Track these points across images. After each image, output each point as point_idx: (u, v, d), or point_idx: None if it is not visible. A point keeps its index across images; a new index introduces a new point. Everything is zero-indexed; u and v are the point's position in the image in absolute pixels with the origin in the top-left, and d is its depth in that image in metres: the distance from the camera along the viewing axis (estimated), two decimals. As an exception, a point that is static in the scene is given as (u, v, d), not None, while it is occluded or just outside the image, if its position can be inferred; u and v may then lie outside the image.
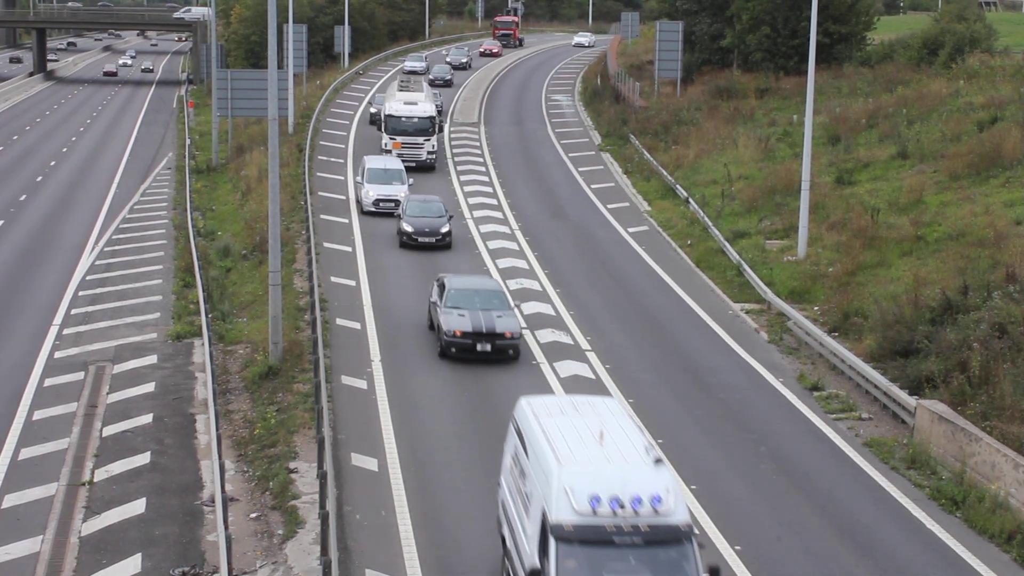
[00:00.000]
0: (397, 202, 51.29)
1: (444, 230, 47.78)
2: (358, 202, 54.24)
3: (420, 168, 61.61)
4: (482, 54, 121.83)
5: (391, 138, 62.53)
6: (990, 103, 55.34)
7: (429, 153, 63.33)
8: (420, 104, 63.79)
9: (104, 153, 79.91)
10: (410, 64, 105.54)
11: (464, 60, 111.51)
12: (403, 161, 57.84)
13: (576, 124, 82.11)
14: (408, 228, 47.47)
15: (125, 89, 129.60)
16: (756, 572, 23.65)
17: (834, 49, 76.62)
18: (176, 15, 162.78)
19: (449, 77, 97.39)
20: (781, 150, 60.59)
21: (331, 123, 77.88)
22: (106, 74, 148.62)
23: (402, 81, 71.72)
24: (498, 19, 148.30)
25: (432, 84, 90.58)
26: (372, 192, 53.13)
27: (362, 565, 23.10)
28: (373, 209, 52.72)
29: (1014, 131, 49.17)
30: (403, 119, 62.75)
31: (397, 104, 63.55)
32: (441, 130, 65.78)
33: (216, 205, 59.53)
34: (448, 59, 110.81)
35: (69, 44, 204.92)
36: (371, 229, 50.80)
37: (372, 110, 76.48)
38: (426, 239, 47.44)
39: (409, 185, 53.52)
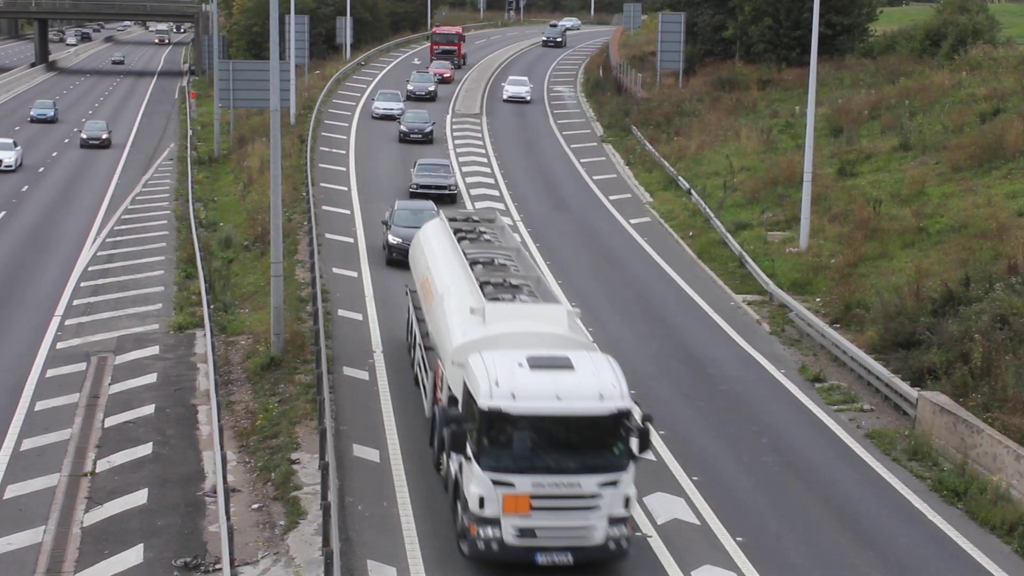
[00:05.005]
0: None
1: None
2: None
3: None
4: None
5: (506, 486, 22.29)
6: (992, 95, 55.30)
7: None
8: (584, 376, 22.90)
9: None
10: (382, 106, 77.45)
11: (431, 88, 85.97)
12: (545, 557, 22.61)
13: (578, 115, 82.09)
14: None
15: (127, 80, 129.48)
16: (758, 563, 23.66)
17: (836, 40, 76.58)
18: None
19: (429, 129, 69.85)
20: (783, 142, 60.56)
21: (333, 114, 77.82)
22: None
23: (470, 230, 32.82)
24: (437, 31, 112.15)
25: (405, 139, 68.98)
26: None
27: (364, 556, 23.12)
28: None
29: (1016, 123, 49.13)
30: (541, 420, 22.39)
31: (526, 380, 22.44)
32: (645, 446, 23.03)
33: (218, 196, 59.51)
34: (411, 87, 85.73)
35: (83, 36, 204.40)
36: (374, 219, 50.77)
37: (391, 239, 43.52)
38: None
39: None
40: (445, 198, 53.13)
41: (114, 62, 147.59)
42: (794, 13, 77.17)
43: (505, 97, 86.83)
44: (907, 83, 62.81)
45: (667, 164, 61.52)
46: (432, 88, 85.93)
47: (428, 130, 69.94)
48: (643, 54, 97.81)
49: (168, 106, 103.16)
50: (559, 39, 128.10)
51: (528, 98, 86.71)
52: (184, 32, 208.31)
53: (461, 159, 65.10)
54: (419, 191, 53.50)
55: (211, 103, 79.71)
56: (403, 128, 69.85)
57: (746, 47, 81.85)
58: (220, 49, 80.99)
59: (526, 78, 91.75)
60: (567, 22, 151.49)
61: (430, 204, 46.15)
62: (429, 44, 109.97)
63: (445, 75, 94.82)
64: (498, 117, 79.53)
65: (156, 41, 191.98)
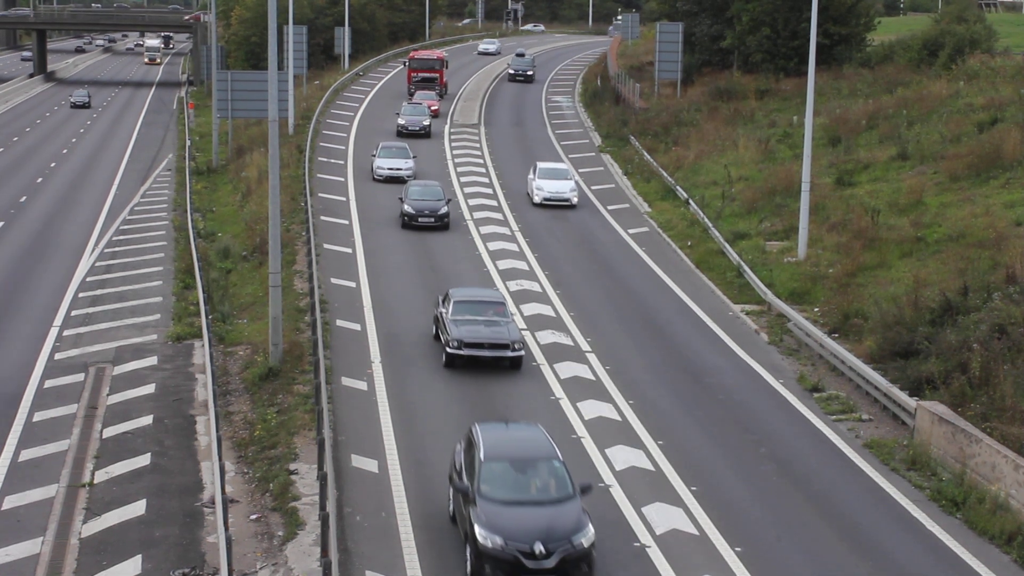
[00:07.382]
0: None
1: None
2: None
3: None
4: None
5: None
6: (990, 104, 55.36)
7: None
8: None
9: (104, 154, 79.88)
10: (386, 165, 60.70)
11: (426, 123, 74.37)
12: None
13: (576, 125, 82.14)
14: None
15: (125, 91, 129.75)
16: (757, 573, 23.64)
17: (834, 50, 76.63)
18: None
19: (444, 210, 51.12)
20: (781, 151, 60.61)
21: (331, 124, 77.87)
22: None
23: None
24: (416, 55, 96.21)
25: (411, 224, 50.74)
26: None
27: (362, 567, 23.10)
28: None
29: (1014, 132, 49.17)
30: None
31: None
32: None
33: (216, 206, 59.52)
34: (402, 121, 74.24)
35: (86, 45, 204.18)
36: (371, 231, 50.76)
37: (482, 537, 22.20)
38: None
39: None
40: (504, 361, 34.37)
41: (74, 105, 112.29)
42: (792, 23, 77.23)
43: (538, 200, 56.87)
44: (905, 93, 62.86)
45: (665, 174, 61.54)
46: (427, 123, 74.69)
47: (442, 211, 51.15)
48: (641, 64, 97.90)
49: (166, 116, 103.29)
50: (529, 72, 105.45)
51: (574, 200, 56.90)
52: (173, 48, 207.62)
53: (459, 168, 65.11)
54: (463, 352, 33.98)
55: (209, 113, 79.82)
56: (408, 209, 51.01)
57: (744, 57, 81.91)
58: (218, 59, 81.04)
59: (565, 166, 62.17)
60: (490, 45, 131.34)
61: (542, 435, 24.95)
62: (406, 71, 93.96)
63: (432, 107, 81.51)
64: (496, 127, 79.49)
65: (147, 61, 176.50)
